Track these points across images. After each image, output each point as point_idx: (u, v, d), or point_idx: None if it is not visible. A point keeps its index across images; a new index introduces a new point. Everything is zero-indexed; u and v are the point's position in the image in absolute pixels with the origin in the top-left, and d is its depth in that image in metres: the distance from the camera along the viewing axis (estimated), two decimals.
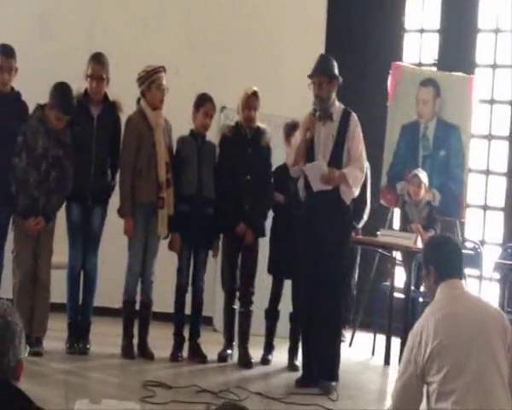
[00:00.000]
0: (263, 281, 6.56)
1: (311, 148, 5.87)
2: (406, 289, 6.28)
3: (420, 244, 6.43)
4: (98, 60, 6.09)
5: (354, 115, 5.97)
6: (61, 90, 5.83)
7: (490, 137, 8.54)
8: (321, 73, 5.85)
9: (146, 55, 7.47)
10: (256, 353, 6.47)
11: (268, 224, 6.51)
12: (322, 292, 5.71)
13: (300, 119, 6.42)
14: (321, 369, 5.84)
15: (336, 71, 5.92)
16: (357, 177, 5.86)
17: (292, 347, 6.49)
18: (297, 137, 6.24)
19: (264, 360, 6.50)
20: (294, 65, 7.99)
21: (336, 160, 5.82)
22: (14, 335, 2.63)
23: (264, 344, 6.55)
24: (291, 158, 5.98)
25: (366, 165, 6.06)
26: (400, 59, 8.72)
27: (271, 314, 6.53)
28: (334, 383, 5.81)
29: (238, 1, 8.03)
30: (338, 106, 5.94)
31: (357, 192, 5.92)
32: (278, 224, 6.48)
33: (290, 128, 6.57)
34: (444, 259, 3.56)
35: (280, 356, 6.51)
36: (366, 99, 8.08)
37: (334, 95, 5.92)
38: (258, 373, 6.27)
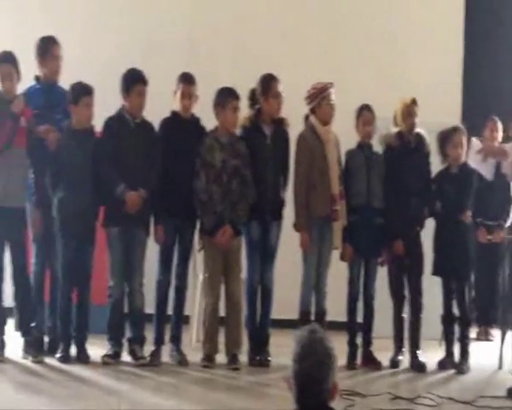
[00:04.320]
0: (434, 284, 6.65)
1: None
2: None
3: None
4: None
5: None
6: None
7: None
8: None
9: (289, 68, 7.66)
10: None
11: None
12: None
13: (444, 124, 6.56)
14: None
15: None
16: None
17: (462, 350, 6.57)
18: None
19: (442, 365, 6.56)
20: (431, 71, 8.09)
21: None
22: (332, 360, 2.79)
23: (446, 349, 6.60)
24: None
25: None
26: None
27: (446, 319, 6.56)
28: None
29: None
30: None
31: None
32: (441, 228, 6.57)
33: (444, 136, 6.56)
34: None
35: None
36: None
37: None
38: (435, 378, 6.35)
